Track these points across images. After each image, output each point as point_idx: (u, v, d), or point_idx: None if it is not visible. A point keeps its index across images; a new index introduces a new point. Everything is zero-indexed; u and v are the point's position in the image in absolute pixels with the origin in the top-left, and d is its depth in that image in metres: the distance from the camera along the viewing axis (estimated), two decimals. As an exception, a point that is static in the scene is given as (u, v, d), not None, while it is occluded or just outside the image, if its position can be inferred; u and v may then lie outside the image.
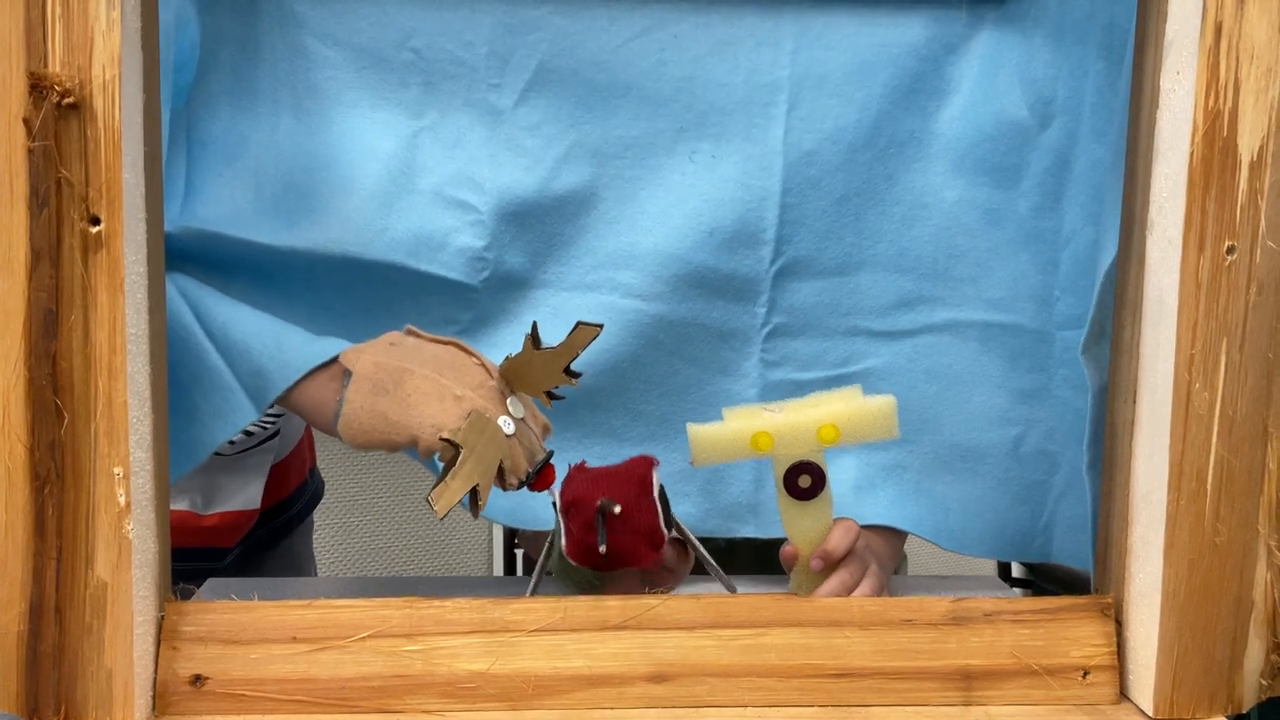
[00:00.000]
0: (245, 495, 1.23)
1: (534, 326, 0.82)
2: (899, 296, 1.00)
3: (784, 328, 1.01)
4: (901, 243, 0.99)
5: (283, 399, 0.86)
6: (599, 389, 0.97)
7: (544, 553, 0.91)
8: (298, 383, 0.85)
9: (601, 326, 0.82)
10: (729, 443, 0.84)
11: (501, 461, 0.80)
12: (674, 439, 1.02)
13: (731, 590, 0.90)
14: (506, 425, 0.81)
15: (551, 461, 0.84)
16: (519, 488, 0.83)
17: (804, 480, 0.84)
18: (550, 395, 0.86)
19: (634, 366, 1.00)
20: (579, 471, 0.88)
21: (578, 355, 0.83)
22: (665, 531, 0.86)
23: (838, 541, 0.87)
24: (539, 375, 0.84)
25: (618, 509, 0.83)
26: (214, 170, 0.92)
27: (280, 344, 0.87)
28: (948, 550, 1.02)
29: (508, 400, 0.83)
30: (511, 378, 0.84)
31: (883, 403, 0.83)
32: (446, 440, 0.77)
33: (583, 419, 0.99)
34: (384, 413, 0.81)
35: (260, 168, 0.92)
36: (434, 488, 0.76)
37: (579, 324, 0.81)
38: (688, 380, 1.01)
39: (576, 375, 0.84)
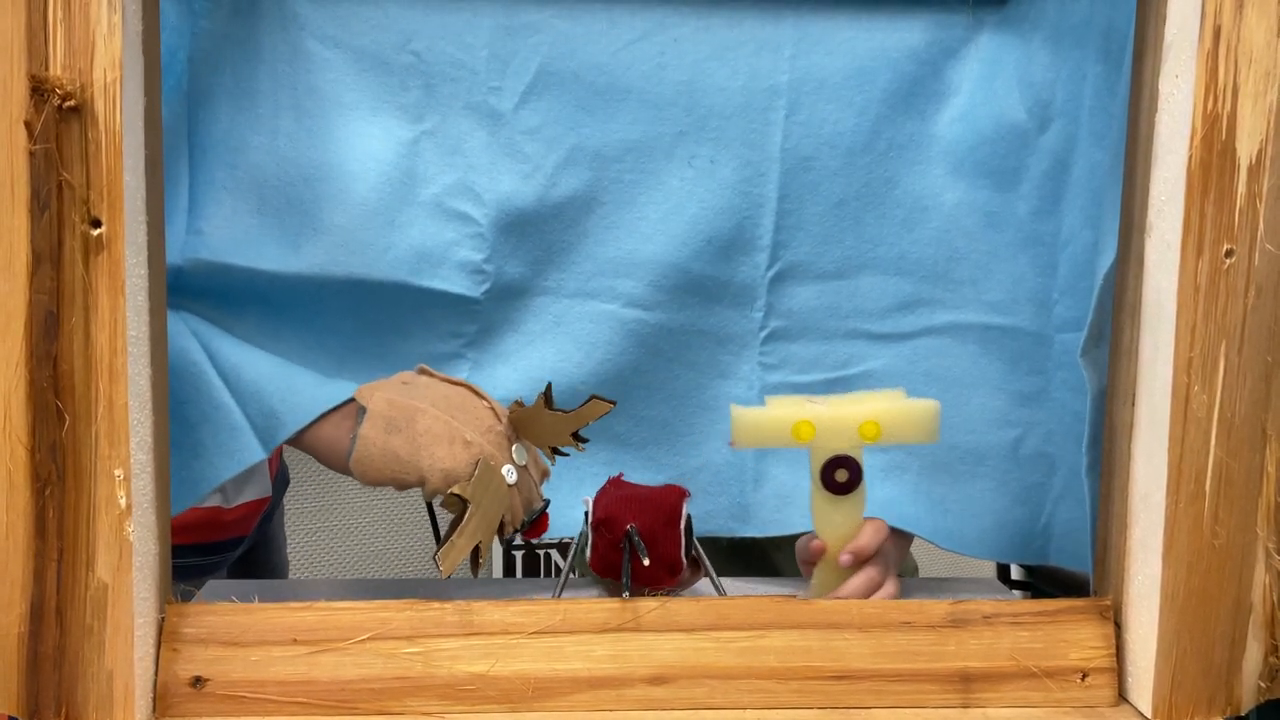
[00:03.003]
0: (259, 484, 1.31)
1: (548, 388, 0.84)
2: (898, 299, 1.01)
3: (782, 331, 1.01)
4: (901, 245, 1.00)
5: (294, 440, 0.88)
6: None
7: (571, 553, 0.93)
8: (310, 425, 0.87)
9: (614, 403, 0.83)
10: (771, 428, 0.84)
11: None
12: (675, 442, 1.02)
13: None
14: (509, 475, 0.83)
15: (547, 511, 0.86)
16: (513, 534, 0.85)
17: (841, 474, 0.84)
18: (555, 451, 0.87)
19: (635, 373, 1.00)
20: (615, 486, 0.89)
21: (587, 424, 0.85)
22: (684, 561, 0.86)
23: (870, 539, 0.87)
24: (547, 432, 0.86)
25: (646, 561, 0.83)
26: (216, 179, 0.92)
27: (292, 387, 0.89)
28: (947, 550, 1.02)
29: (513, 447, 0.84)
30: (519, 425, 0.86)
31: (927, 406, 0.83)
32: (456, 495, 0.79)
33: (588, 426, 0.99)
34: (395, 451, 0.82)
35: (262, 175, 0.93)
36: (440, 547, 0.79)
37: (593, 397, 0.83)
38: (687, 385, 1.01)
39: (584, 441, 0.86)
